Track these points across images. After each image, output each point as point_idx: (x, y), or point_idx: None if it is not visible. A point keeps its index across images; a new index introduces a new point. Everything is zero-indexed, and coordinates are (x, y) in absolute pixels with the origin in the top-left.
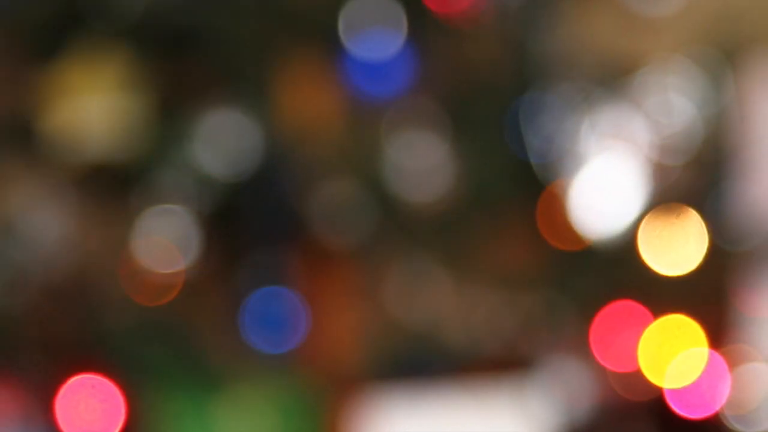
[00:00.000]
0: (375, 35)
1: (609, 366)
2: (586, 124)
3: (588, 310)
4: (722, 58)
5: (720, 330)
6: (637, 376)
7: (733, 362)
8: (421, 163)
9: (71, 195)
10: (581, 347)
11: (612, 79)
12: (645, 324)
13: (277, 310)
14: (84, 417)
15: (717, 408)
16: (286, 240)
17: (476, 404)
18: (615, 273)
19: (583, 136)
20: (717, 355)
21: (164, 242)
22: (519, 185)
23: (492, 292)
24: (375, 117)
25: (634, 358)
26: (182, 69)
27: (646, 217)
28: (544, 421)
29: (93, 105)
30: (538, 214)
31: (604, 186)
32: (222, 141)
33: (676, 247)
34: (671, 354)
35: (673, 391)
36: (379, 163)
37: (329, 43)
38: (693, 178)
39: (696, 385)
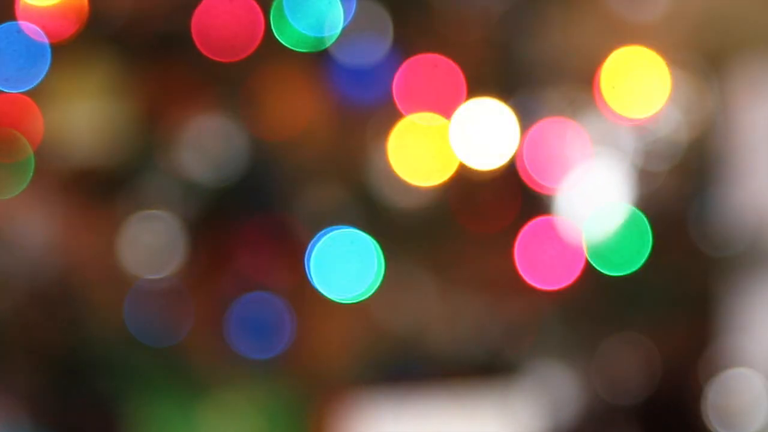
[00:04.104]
0: (361, 41)
1: None
2: (571, 130)
3: (573, 316)
4: (707, 63)
5: (704, 335)
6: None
7: (717, 367)
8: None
9: (57, 200)
10: (566, 353)
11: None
12: None
13: (262, 316)
14: None
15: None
16: (272, 245)
17: (461, 410)
18: (600, 279)
19: (569, 141)
20: None
21: (150, 248)
22: (504, 190)
23: (477, 297)
24: (361, 122)
25: None
26: (168, 74)
27: None
28: (529, 427)
29: (79, 110)
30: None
31: (590, 191)
32: (208, 146)
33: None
34: None
35: None
36: (364, 169)
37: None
38: (678, 184)
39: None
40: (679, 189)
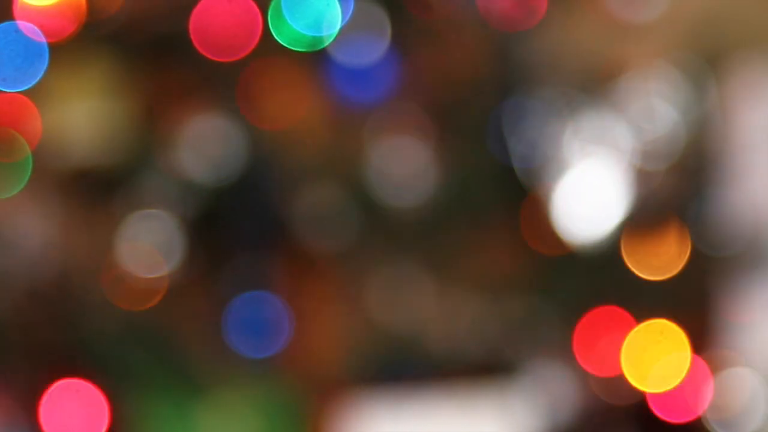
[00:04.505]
0: (358, 40)
1: (592, 370)
2: (569, 130)
3: (571, 315)
4: (705, 63)
5: (703, 335)
6: (620, 380)
7: (715, 367)
8: (405, 168)
9: (55, 200)
10: (564, 352)
11: (595, 85)
12: (628, 329)
13: (260, 315)
14: (68, 422)
15: (699, 413)
16: (270, 245)
17: (459, 409)
18: (598, 278)
19: (566, 141)
20: (699, 359)
21: (148, 247)
22: (502, 190)
23: (475, 296)
24: (358, 122)
25: (617, 362)
26: (166, 74)
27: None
28: (526, 426)
29: (77, 110)
30: (521, 219)
31: (587, 191)
32: (206, 146)
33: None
34: (654, 359)
35: (655, 395)
36: (362, 169)
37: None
38: (676, 184)
39: (678, 390)
40: (677, 188)
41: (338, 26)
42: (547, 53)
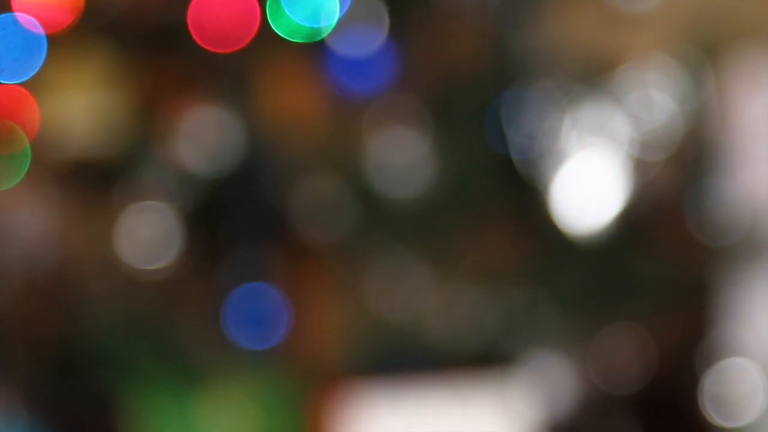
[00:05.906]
0: (357, 32)
1: (591, 361)
2: (567, 120)
3: (569, 306)
4: (703, 54)
5: (701, 325)
6: (619, 370)
7: (714, 357)
8: (403, 159)
9: (53, 191)
10: (563, 343)
11: (593, 76)
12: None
13: (259, 307)
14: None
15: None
16: (269, 237)
17: (458, 400)
18: (596, 269)
19: (565, 132)
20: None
21: (146, 239)
22: (500, 181)
23: (473, 288)
24: (357, 113)
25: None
26: (164, 65)
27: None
28: (525, 417)
29: (75, 101)
30: (519, 211)
31: (586, 182)
32: (204, 137)
33: None
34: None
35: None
36: (360, 160)
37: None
38: (674, 174)
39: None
40: (676, 179)
41: (337, 17)
42: (545, 44)
